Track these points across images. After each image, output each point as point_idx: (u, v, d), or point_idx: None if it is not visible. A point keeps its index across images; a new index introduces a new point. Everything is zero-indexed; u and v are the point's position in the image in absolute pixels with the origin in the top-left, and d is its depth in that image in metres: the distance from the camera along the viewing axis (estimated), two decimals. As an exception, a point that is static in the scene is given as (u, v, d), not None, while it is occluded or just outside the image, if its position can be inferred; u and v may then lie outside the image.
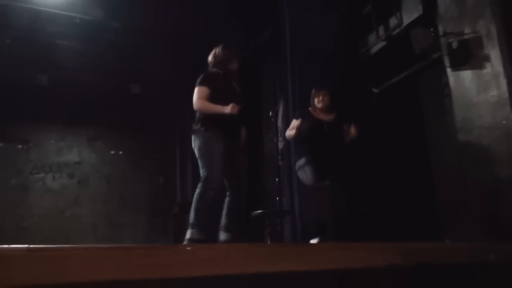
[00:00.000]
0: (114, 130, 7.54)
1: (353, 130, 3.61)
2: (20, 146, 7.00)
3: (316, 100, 3.73)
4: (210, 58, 3.27)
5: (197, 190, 2.91)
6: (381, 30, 4.63)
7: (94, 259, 1.08)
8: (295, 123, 3.73)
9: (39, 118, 7.02)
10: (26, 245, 1.11)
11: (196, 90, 3.08)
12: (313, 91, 3.79)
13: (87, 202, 7.14)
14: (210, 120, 3.01)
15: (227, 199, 3.08)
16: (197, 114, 3.12)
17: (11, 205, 6.62)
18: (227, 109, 2.92)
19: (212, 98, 3.04)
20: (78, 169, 7.26)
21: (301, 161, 3.63)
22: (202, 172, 2.96)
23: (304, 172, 3.61)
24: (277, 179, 5.31)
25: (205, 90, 3.05)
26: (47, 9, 5.24)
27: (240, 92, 3.23)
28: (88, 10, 5.31)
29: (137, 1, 5.27)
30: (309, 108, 3.81)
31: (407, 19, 4.14)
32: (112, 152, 7.57)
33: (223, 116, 2.96)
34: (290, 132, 3.69)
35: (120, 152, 7.61)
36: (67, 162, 7.22)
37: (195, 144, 3.06)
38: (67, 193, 7.07)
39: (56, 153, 7.20)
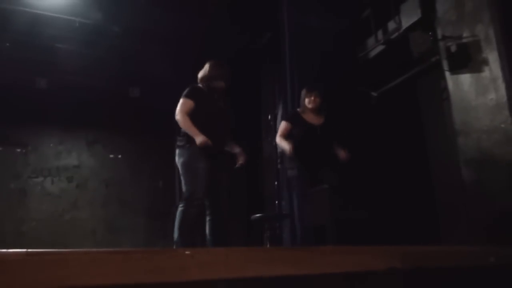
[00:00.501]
0: (113, 133, 7.52)
1: (343, 155, 3.57)
2: (19, 150, 6.98)
3: (307, 101, 3.67)
4: (200, 73, 3.26)
5: (180, 208, 2.89)
6: (380, 33, 4.64)
7: (93, 263, 1.07)
8: (284, 125, 3.69)
9: (38, 121, 7.01)
10: (25, 250, 1.11)
11: (181, 101, 3.07)
12: (304, 91, 3.73)
13: (86, 206, 7.11)
14: None
15: (207, 218, 3.05)
16: (182, 128, 3.10)
17: (9, 209, 6.59)
18: (199, 139, 2.89)
19: (196, 113, 3.03)
20: (77, 173, 7.24)
21: (294, 172, 3.57)
22: (184, 189, 2.94)
23: (299, 184, 3.58)
24: (276, 183, 5.31)
25: (189, 103, 3.05)
26: (46, 12, 5.24)
27: (225, 110, 3.22)
28: (88, 14, 5.31)
29: (136, 4, 5.27)
30: (298, 109, 3.78)
31: (405, 23, 4.15)
32: (111, 155, 7.55)
33: (208, 132, 2.94)
34: (282, 144, 3.55)
35: (119, 156, 7.59)
36: (66, 166, 7.20)
37: (179, 159, 3.02)
38: (66, 197, 7.04)
39: (55, 156, 7.18)
